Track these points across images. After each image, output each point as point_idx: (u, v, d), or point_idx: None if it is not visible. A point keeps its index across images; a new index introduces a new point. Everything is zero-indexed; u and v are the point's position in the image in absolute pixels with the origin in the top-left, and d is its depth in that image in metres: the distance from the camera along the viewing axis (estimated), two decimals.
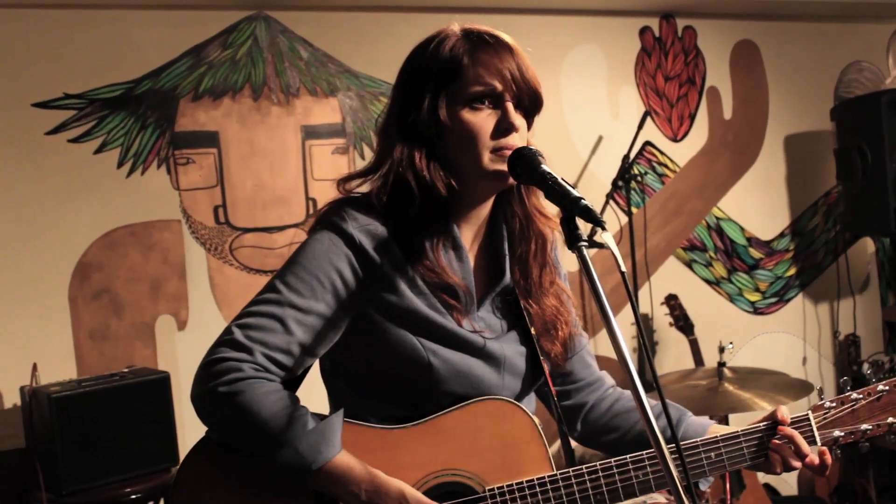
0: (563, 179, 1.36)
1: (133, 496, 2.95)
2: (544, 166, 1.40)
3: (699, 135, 4.54)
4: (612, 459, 1.50)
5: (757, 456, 1.57)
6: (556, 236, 1.61)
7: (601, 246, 1.23)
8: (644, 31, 4.42)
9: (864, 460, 4.13)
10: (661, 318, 4.14)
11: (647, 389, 3.07)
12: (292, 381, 1.48)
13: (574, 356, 1.68)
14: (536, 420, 1.51)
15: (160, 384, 3.08)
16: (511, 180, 1.49)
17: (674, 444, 1.26)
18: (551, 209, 1.56)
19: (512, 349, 1.56)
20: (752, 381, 3.21)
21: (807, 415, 1.61)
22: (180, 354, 3.53)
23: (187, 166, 3.57)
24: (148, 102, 3.51)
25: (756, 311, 4.71)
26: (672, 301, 4.02)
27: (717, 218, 4.60)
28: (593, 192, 4.11)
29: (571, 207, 1.29)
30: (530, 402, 1.63)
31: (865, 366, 4.45)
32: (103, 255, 3.45)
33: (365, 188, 1.55)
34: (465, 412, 1.49)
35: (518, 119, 1.48)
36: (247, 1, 3.62)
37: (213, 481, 1.43)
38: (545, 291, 1.60)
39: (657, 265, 4.44)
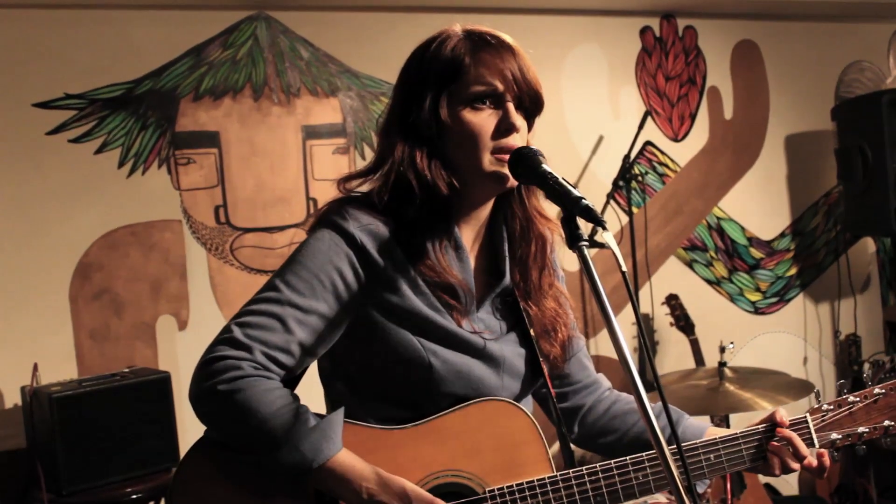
0: (563, 179, 1.36)
1: (134, 496, 2.95)
2: (545, 166, 1.40)
3: (700, 135, 4.54)
4: (612, 461, 1.50)
5: (755, 458, 1.58)
6: (555, 238, 1.62)
7: (602, 246, 1.22)
8: (645, 31, 4.42)
9: (864, 460, 4.13)
10: (662, 318, 4.14)
11: (648, 389, 3.07)
12: (290, 381, 1.47)
13: (571, 358, 1.68)
14: (536, 421, 1.51)
15: (161, 384, 3.08)
16: (511, 183, 1.49)
17: (675, 445, 1.25)
18: (551, 210, 1.56)
19: (511, 350, 1.56)
20: (752, 381, 3.21)
21: (805, 417, 1.62)
22: (181, 354, 3.53)
23: (188, 166, 3.58)
24: (148, 102, 3.51)
25: (757, 310, 4.70)
26: (673, 301, 4.02)
27: (718, 218, 4.60)
28: (594, 192, 4.11)
29: (572, 207, 1.29)
30: (527, 404, 1.63)
31: (866, 366, 4.45)
32: (104, 255, 3.45)
33: (365, 188, 1.55)
34: (465, 413, 1.48)
35: (519, 119, 1.48)
36: (247, 1, 3.62)
37: (213, 480, 1.43)
38: (544, 294, 1.60)
39: (658, 265, 4.44)
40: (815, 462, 1.58)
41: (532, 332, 1.59)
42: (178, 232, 3.57)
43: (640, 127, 4.12)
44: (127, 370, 3.19)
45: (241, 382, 1.36)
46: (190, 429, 3.14)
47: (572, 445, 1.63)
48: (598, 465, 1.50)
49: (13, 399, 3.24)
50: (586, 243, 1.26)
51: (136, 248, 3.50)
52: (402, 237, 1.47)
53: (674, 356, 4.31)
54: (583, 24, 4.27)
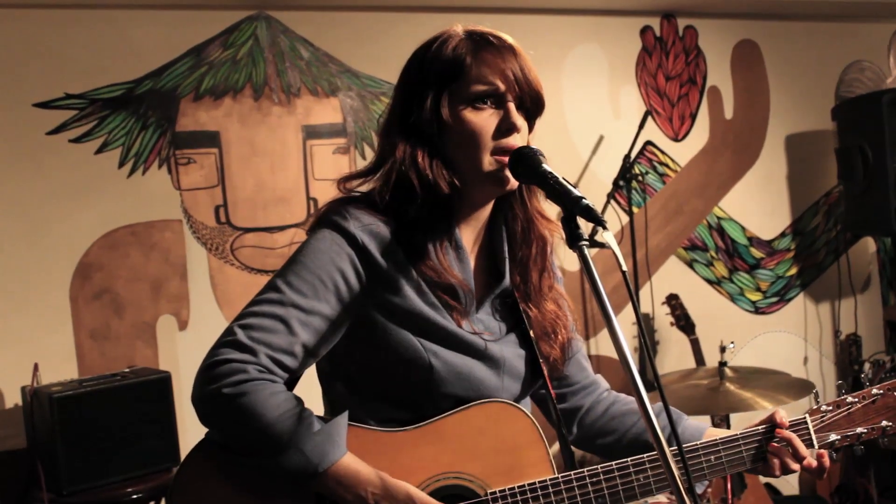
0: (564, 179, 1.36)
1: (134, 496, 2.95)
2: (545, 166, 1.40)
3: (700, 134, 4.54)
4: (613, 462, 1.50)
5: (756, 459, 1.58)
6: (554, 240, 1.61)
7: (602, 245, 1.22)
8: (645, 31, 4.42)
9: (865, 460, 4.13)
10: (663, 318, 4.14)
11: (648, 389, 3.07)
12: (289, 382, 1.47)
13: (570, 360, 1.68)
14: (537, 423, 1.51)
15: (161, 384, 3.08)
16: (511, 186, 1.49)
17: (675, 445, 1.25)
18: (551, 211, 1.56)
19: (511, 352, 1.56)
20: (753, 380, 3.21)
21: (804, 418, 1.62)
22: (181, 354, 3.53)
23: (188, 166, 3.58)
24: (149, 102, 3.51)
25: (757, 310, 4.70)
26: (673, 301, 4.02)
27: (718, 217, 4.60)
28: (594, 192, 4.11)
29: (573, 207, 1.29)
30: (525, 406, 1.62)
31: (867, 365, 4.45)
32: (104, 255, 3.45)
33: (365, 188, 1.55)
34: (466, 415, 1.48)
35: (519, 119, 1.48)
36: (248, 1, 3.62)
37: (214, 481, 1.42)
38: (544, 296, 1.60)
39: (658, 265, 4.44)
40: (814, 463, 1.58)
41: (532, 333, 1.58)
42: (179, 232, 3.57)
43: (641, 127, 4.12)
44: (127, 370, 3.19)
45: (247, 386, 1.35)
46: (190, 429, 3.14)
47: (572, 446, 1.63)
48: (599, 466, 1.49)
49: (13, 399, 3.24)
50: (587, 243, 1.26)
51: (136, 248, 3.50)
52: (402, 237, 1.47)
53: (674, 356, 4.31)
54: (583, 24, 4.27)
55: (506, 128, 1.46)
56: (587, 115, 4.27)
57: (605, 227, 1.24)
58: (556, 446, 1.58)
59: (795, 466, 1.57)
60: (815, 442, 1.60)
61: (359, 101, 3.84)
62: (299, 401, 1.41)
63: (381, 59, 3.81)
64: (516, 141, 1.47)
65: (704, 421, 2.64)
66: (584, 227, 1.28)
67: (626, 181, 4.09)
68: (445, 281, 1.48)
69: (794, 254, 4.79)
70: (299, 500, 1.41)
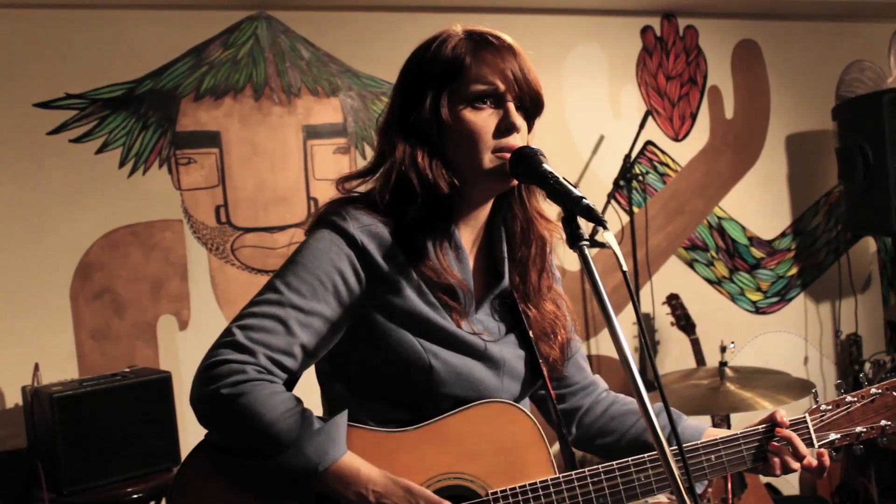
0: (564, 179, 1.36)
1: (134, 496, 2.95)
2: (545, 165, 1.39)
3: (700, 134, 4.54)
4: (614, 462, 1.50)
5: (756, 458, 1.58)
6: (553, 240, 1.61)
7: (603, 245, 1.22)
8: (645, 31, 4.42)
9: (865, 460, 4.13)
10: (663, 318, 4.14)
11: (649, 389, 3.07)
12: (288, 383, 1.47)
13: (569, 360, 1.68)
14: (538, 423, 1.51)
15: (162, 384, 3.08)
16: (512, 182, 1.49)
17: (675, 444, 1.25)
18: (550, 211, 1.56)
19: (511, 352, 1.56)
20: (753, 380, 3.21)
21: (804, 417, 1.62)
22: (182, 354, 3.53)
23: (189, 166, 3.58)
24: (149, 102, 3.51)
25: (757, 310, 4.70)
26: (673, 300, 4.02)
27: (719, 217, 4.60)
28: (594, 192, 4.11)
29: (573, 207, 1.29)
30: (524, 406, 1.62)
31: (867, 365, 4.45)
32: (105, 255, 3.45)
33: (364, 188, 1.55)
34: (466, 415, 1.48)
35: (519, 119, 1.48)
36: (248, 1, 3.62)
37: (215, 481, 1.42)
38: (543, 296, 1.60)
39: (658, 265, 4.44)
40: (814, 462, 1.59)
41: (531, 333, 1.58)
42: (179, 232, 3.57)
43: (641, 126, 4.12)
44: (128, 370, 3.19)
45: (245, 386, 1.35)
46: (191, 429, 3.14)
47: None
48: (599, 466, 1.49)
49: (14, 399, 3.24)
50: (587, 243, 1.26)
51: (136, 248, 3.50)
52: (402, 238, 1.47)
53: (675, 356, 4.31)
54: (583, 24, 4.27)
55: (505, 127, 1.46)
56: (587, 114, 4.27)
57: (605, 227, 1.24)
58: (557, 447, 1.58)
59: (796, 465, 1.57)
60: (814, 441, 1.61)
61: (359, 101, 3.84)
62: (298, 401, 1.41)
63: (381, 59, 3.81)
64: (516, 141, 1.47)
65: (705, 421, 2.64)
66: (585, 226, 1.28)
67: (626, 181, 4.09)
68: (445, 281, 1.48)
69: (795, 254, 4.79)
70: (300, 499, 1.41)
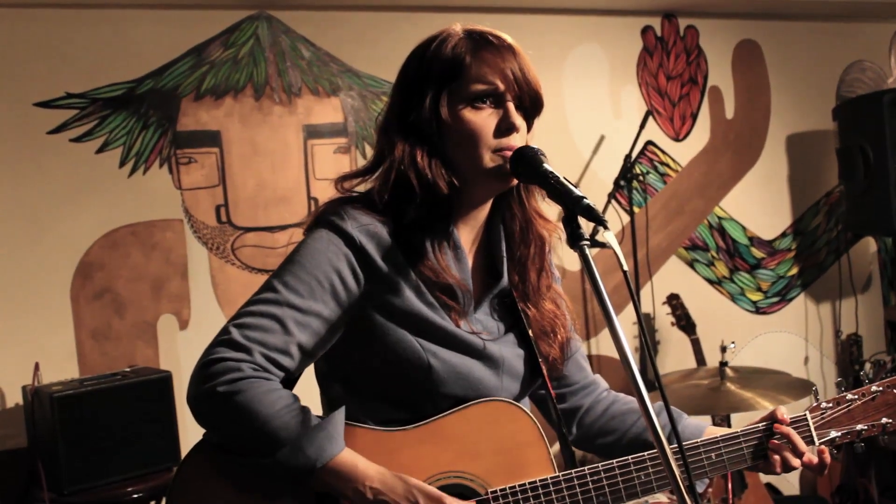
0: (565, 179, 1.36)
1: (135, 495, 2.95)
2: (546, 165, 1.39)
3: (701, 134, 4.54)
4: (614, 460, 1.50)
5: (756, 456, 1.58)
6: (552, 240, 1.61)
7: (603, 245, 1.22)
8: (646, 31, 4.41)
9: (866, 460, 4.12)
10: (663, 318, 4.14)
11: (649, 389, 3.06)
12: (287, 383, 1.46)
13: (569, 359, 1.68)
14: (537, 422, 1.51)
15: (162, 383, 3.08)
16: (512, 181, 1.49)
17: (676, 443, 1.25)
18: (550, 211, 1.56)
19: (510, 351, 1.56)
20: (754, 380, 3.21)
21: (804, 415, 1.62)
22: (182, 354, 3.53)
23: (189, 166, 3.58)
24: (150, 102, 3.51)
25: (758, 310, 4.70)
26: (674, 300, 4.02)
27: (719, 217, 4.60)
28: (595, 192, 4.10)
29: (574, 206, 1.29)
30: (524, 406, 1.62)
31: (867, 365, 4.44)
32: (105, 255, 3.45)
33: (363, 187, 1.55)
34: (466, 414, 1.48)
35: (519, 119, 1.48)
36: (249, 0, 3.62)
37: (214, 480, 1.42)
38: (542, 295, 1.60)
39: (659, 265, 4.44)
40: (815, 459, 1.58)
41: (530, 333, 1.58)
42: (180, 231, 3.57)
43: (642, 126, 4.12)
44: (128, 369, 3.19)
45: (242, 384, 1.35)
46: (191, 428, 3.13)
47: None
48: (600, 464, 1.49)
49: (14, 398, 3.24)
50: (588, 242, 1.26)
51: (137, 248, 3.50)
52: (400, 237, 1.47)
53: (675, 356, 4.31)
54: (584, 24, 4.27)
55: (505, 127, 1.46)
56: (588, 114, 4.27)
57: (606, 227, 1.24)
58: (557, 446, 1.58)
59: (796, 463, 1.57)
60: (815, 439, 1.60)
61: (360, 101, 3.84)
62: (295, 398, 1.41)
63: (382, 59, 3.81)
64: (516, 140, 1.47)
65: (705, 421, 2.64)
66: (586, 226, 1.28)
67: (626, 181, 4.09)
68: (443, 281, 1.48)
69: (795, 254, 4.79)
70: (300, 497, 1.41)
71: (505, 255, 1.59)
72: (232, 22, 3.64)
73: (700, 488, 1.69)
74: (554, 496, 1.47)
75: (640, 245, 4.27)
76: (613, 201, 4.19)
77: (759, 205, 4.68)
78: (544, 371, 1.59)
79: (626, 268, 1.20)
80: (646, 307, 4.31)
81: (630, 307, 4.22)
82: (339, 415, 1.42)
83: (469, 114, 1.46)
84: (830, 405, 1.63)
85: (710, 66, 4.55)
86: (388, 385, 1.49)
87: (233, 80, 3.63)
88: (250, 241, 3.67)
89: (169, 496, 1.43)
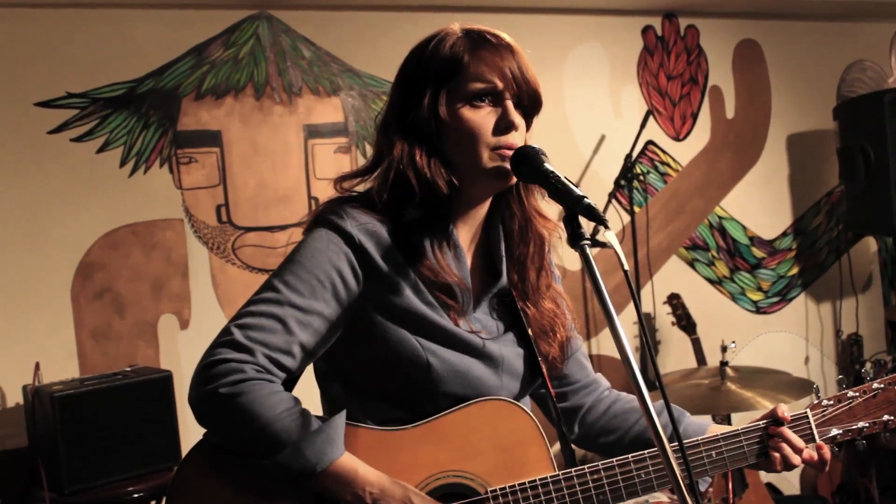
0: (565, 178, 1.35)
1: (135, 495, 2.95)
2: (547, 165, 1.39)
3: (701, 134, 4.54)
4: (614, 459, 1.50)
5: (757, 454, 1.58)
6: (552, 239, 1.61)
7: (604, 244, 1.22)
8: (646, 30, 4.41)
9: (866, 459, 4.12)
10: (664, 318, 4.14)
11: (650, 388, 3.06)
12: (287, 383, 1.46)
13: (570, 358, 1.68)
14: (537, 421, 1.51)
15: (162, 383, 3.08)
16: (512, 180, 1.49)
17: (676, 442, 1.25)
18: (550, 211, 1.56)
19: (510, 350, 1.56)
20: (754, 380, 3.21)
21: (805, 413, 1.62)
22: (183, 353, 3.53)
23: (190, 165, 3.58)
24: (150, 101, 3.51)
25: (758, 310, 4.70)
26: (674, 300, 4.02)
27: (720, 217, 4.60)
28: (595, 191, 4.10)
29: (574, 206, 1.29)
30: (525, 405, 1.62)
31: (868, 365, 4.44)
32: (106, 255, 3.45)
33: (362, 187, 1.55)
34: (465, 413, 1.48)
35: (517, 117, 1.48)
36: (249, 0, 3.62)
37: (214, 481, 1.42)
38: (542, 294, 1.60)
39: (659, 264, 4.44)
40: (815, 455, 1.58)
41: (530, 332, 1.58)
42: (180, 231, 3.57)
43: (642, 126, 4.12)
44: (129, 369, 3.19)
45: (244, 386, 1.35)
46: (191, 428, 3.12)
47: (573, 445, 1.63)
48: (599, 463, 1.49)
49: (15, 398, 3.25)
50: (588, 242, 1.25)
51: (137, 248, 3.50)
52: (400, 236, 1.47)
53: (675, 355, 4.31)
54: (584, 24, 4.27)
55: (504, 125, 1.46)
56: (588, 114, 4.27)
57: (606, 227, 1.23)
58: (557, 445, 1.58)
59: (797, 460, 1.57)
60: (816, 437, 1.60)
61: (360, 101, 3.84)
62: (297, 401, 1.41)
63: (382, 59, 3.81)
64: (515, 139, 1.47)
65: (705, 420, 2.64)
66: (586, 226, 1.28)
67: (627, 180, 4.09)
68: (443, 280, 1.47)
69: (796, 253, 4.79)
70: (299, 499, 1.41)
71: (504, 254, 1.59)
72: (232, 22, 3.64)
73: (702, 487, 1.69)
74: (554, 495, 1.47)
75: (641, 245, 4.27)
76: (614, 201, 4.19)
77: (760, 204, 4.68)
78: (544, 370, 1.58)
79: (626, 267, 1.20)
80: (646, 307, 4.31)
81: (631, 307, 4.22)
82: (340, 419, 1.42)
83: (468, 112, 1.46)
84: (832, 403, 1.63)
85: (711, 65, 4.55)
86: (387, 384, 1.49)
87: (233, 80, 3.63)
88: (251, 240, 3.67)
89: (169, 496, 1.43)
